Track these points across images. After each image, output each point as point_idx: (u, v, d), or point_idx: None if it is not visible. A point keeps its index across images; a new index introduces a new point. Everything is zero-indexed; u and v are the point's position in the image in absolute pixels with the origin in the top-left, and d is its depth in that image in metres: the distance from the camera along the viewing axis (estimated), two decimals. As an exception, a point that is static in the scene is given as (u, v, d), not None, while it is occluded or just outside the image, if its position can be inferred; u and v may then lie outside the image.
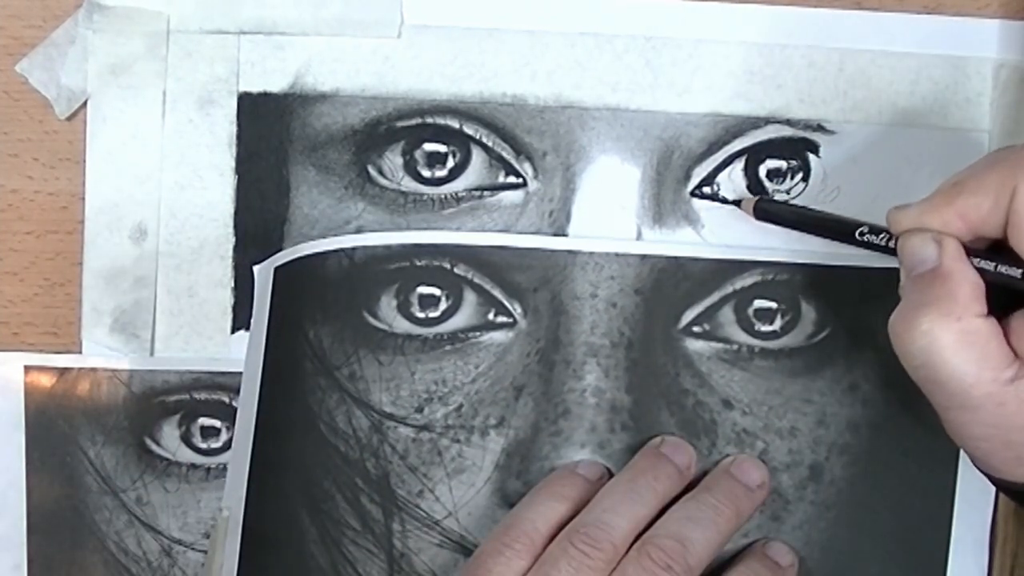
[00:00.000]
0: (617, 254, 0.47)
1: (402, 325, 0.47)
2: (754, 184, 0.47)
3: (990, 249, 0.39)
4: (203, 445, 0.48)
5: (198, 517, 0.48)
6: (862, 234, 0.42)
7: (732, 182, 0.48)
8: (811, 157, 0.48)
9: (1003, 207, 0.37)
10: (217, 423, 0.48)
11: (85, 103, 0.47)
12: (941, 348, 0.37)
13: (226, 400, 0.48)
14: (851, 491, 0.47)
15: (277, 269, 0.47)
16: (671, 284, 0.47)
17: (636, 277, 0.47)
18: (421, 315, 0.47)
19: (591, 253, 0.47)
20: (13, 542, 0.48)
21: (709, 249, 0.47)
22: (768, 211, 0.46)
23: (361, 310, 0.47)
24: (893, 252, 0.41)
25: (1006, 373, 0.37)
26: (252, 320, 0.48)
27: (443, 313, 0.47)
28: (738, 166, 0.48)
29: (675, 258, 0.47)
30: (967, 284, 0.38)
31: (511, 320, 0.47)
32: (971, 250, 0.39)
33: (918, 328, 0.37)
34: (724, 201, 0.47)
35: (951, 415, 0.38)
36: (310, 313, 0.47)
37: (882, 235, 0.42)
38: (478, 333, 0.47)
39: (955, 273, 0.38)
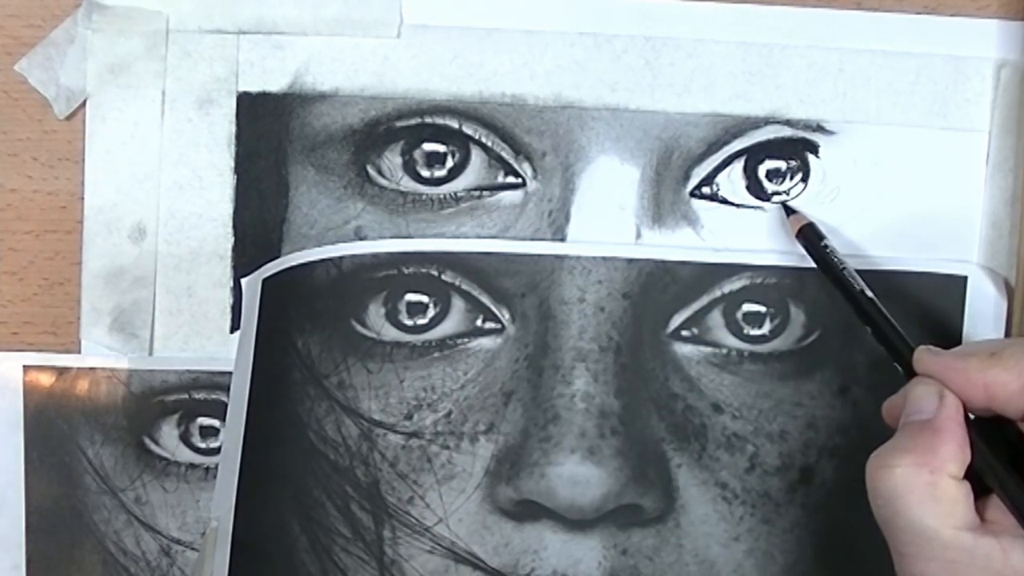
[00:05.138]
0: (605, 258, 0.47)
1: (390, 333, 0.47)
2: (753, 185, 0.47)
3: (997, 420, 0.39)
4: (202, 445, 0.48)
5: (197, 516, 0.48)
6: (882, 338, 0.43)
7: (731, 182, 0.47)
8: (810, 157, 0.47)
9: None
10: (216, 422, 0.48)
11: (84, 103, 0.47)
12: (906, 494, 0.37)
13: (225, 399, 0.48)
14: (841, 494, 0.47)
15: (265, 280, 0.47)
16: (659, 288, 0.47)
17: (624, 281, 0.47)
18: (409, 322, 0.47)
19: (578, 257, 0.47)
20: (12, 542, 0.48)
21: (697, 253, 0.47)
22: (811, 244, 0.46)
23: (349, 319, 0.47)
24: (902, 375, 0.41)
25: (965, 536, 0.37)
26: (240, 331, 0.48)
27: (431, 320, 0.47)
28: (737, 166, 0.47)
29: (663, 262, 0.47)
30: (952, 444, 0.38)
31: (499, 326, 0.47)
32: (976, 422, 0.39)
33: (891, 469, 0.38)
34: (765, 198, 0.47)
35: (905, 561, 0.38)
36: (298, 323, 0.47)
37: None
38: (466, 339, 0.47)
39: (944, 431, 0.38)
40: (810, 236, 0.46)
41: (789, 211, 0.47)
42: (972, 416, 0.39)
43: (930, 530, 0.37)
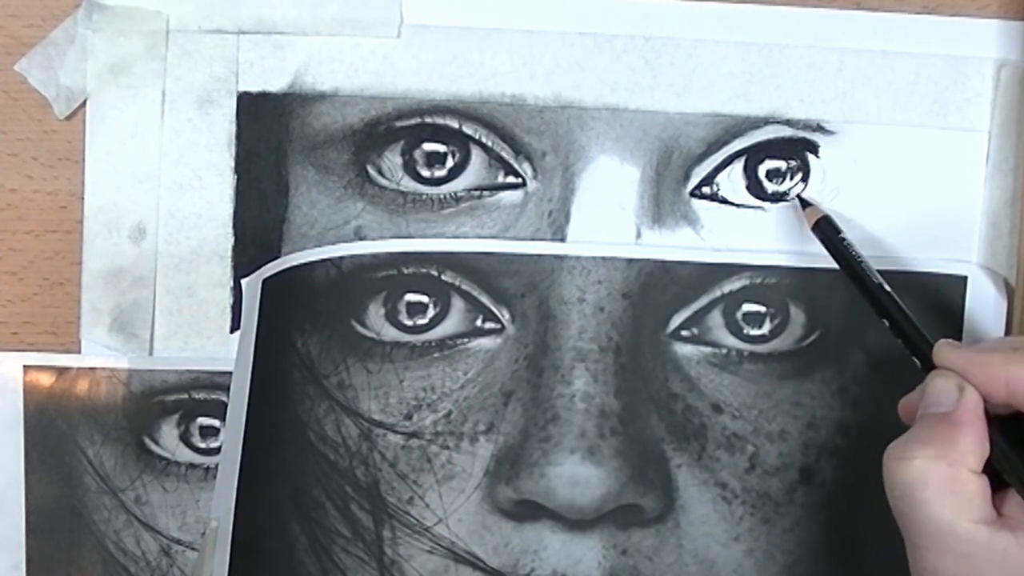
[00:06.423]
0: (604, 258, 0.47)
1: (390, 333, 0.47)
2: (753, 184, 0.47)
3: (1016, 416, 0.39)
4: (202, 444, 0.48)
5: (197, 516, 0.48)
6: (900, 331, 0.43)
7: (731, 182, 0.47)
8: (810, 157, 0.47)
9: None
10: (216, 422, 0.48)
11: (84, 102, 0.47)
12: (923, 487, 0.37)
13: (225, 399, 0.48)
14: (841, 493, 0.47)
15: (265, 280, 0.47)
16: (659, 288, 0.47)
17: (624, 281, 0.47)
18: (409, 323, 0.47)
19: (578, 258, 0.47)
20: (12, 542, 0.48)
21: (697, 253, 0.47)
22: (827, 236, 0.46)
23: (349, 319, 0.47)
24: (920, 368, 0.41)
25: (981, 530, 0.37)
26: (240, 331, 0.48)
27: (431, 320, 0.47)
28: (737, 166, 0.47)
29: (663, 262, 0.47)
30: (971, 437, 0.38)
31: (499, 326, 0.47)
32: (995, 417, 0.39)
33: (908, 461, 0.38)
34: (779, 199, 0.47)
35: (919, 553, 0.38)
36: (298, 323, 0.47)
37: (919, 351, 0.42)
38: (466, 339, 0.47)
39: (964, 423, 0.38)
40: (827, 229, 0.46)
41: (805, 204, 0.47)
42: (991, 412, 0.39)
43: (946, 523, 0.37)
